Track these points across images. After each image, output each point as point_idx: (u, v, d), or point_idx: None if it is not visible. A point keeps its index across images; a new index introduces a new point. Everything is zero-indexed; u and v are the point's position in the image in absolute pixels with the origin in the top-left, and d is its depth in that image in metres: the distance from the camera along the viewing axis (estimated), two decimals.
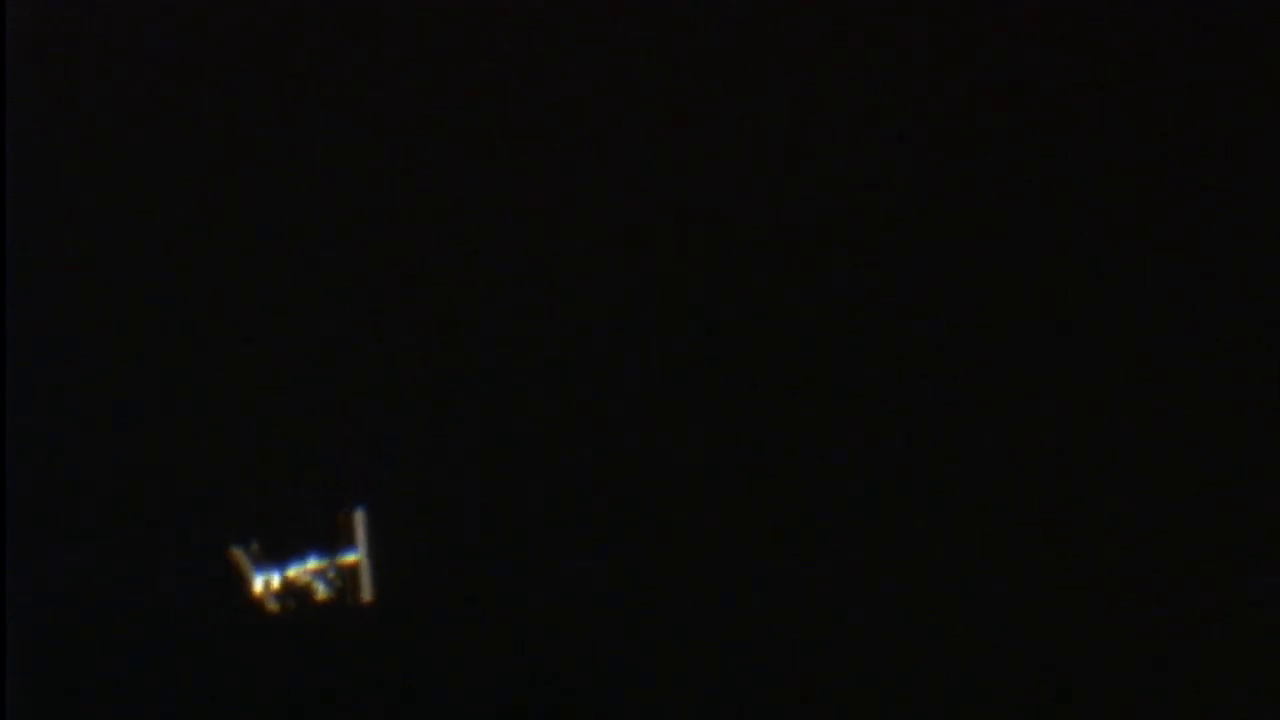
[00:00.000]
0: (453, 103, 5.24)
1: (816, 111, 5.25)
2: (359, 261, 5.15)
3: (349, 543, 4.95)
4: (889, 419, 5.11)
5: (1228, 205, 5.17)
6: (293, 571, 4.91)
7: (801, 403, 5.12)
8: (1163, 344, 5.11)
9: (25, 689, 4.77)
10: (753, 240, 5.20)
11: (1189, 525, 4.99)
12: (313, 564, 4.92)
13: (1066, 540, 5.00)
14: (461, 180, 5.21)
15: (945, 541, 5.02)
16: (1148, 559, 4.97)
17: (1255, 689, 4.85)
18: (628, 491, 5.06)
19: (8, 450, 4.95)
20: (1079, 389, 5.10)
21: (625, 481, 5.06)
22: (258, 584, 4.88)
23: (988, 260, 5.18)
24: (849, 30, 5.26)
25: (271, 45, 5.20)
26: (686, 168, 5.23)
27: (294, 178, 5.17)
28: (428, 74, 5.23)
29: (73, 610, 4.87)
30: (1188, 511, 5.00)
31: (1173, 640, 4.90)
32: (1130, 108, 5.22)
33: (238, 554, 4.90)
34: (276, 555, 4.92)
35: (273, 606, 4.87)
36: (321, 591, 4.91)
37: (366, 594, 4.92)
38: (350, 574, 4.93)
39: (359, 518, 4.97)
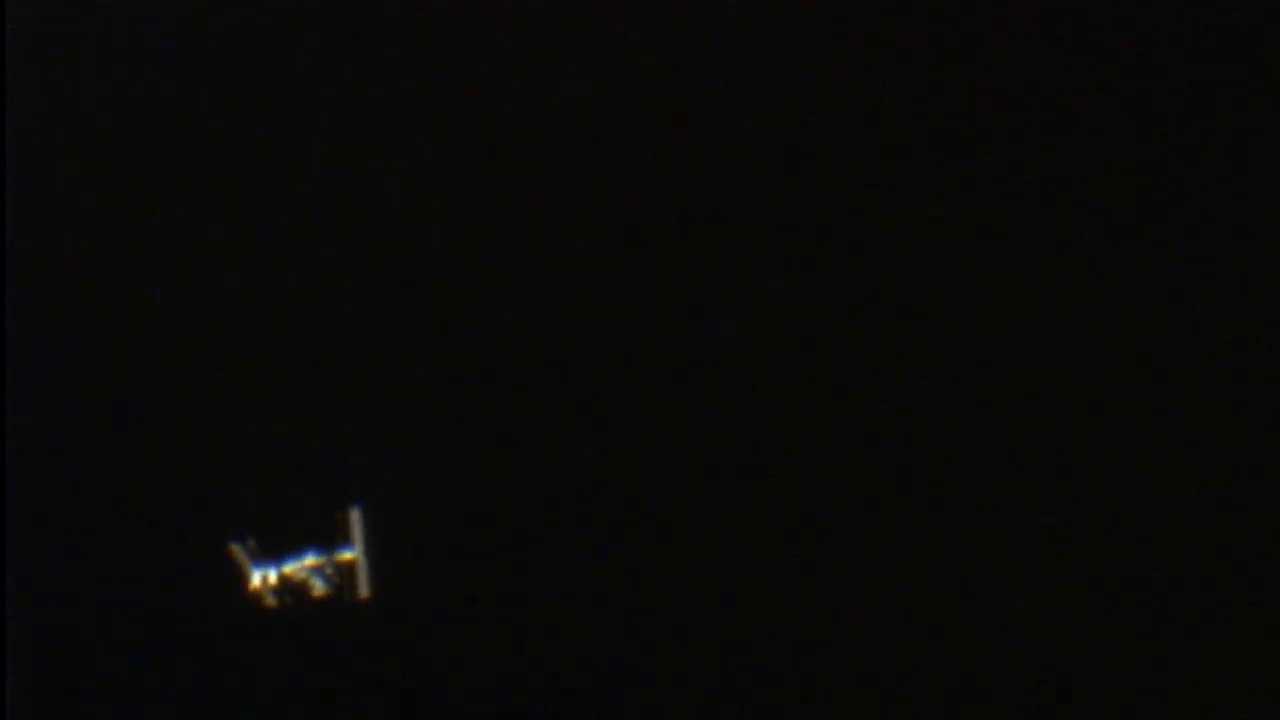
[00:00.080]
0: (453, 103, 5.24)
1: (816, 111, 5.25)
2: (357, 260, 5.16)
3: (346, 540, 4.95)
4: (889, 419, 5.11)
5: (1228, 205, 5.16)
6: (290, 568, 4.91)
7: (801, 403, 5.12)
8: (1163, 344, 5.11)
9: (25, 688, 4.76)
10: (753, 240, 5.20)
11: (1189, 525, 4.99)
12: (310, 560, 4.92)
13: (1066, 540, 4.99)
14: (461, 180, 5.22)
15: (945, 541, 5.01)
16: (1148, 559, 4.97)
17: (1255, 689, 4.84)
18: (627, 490, 5.05)
19: (7, 450, 4.95)
20: (1079, 389, 5.10)
21: (624, 480, 5.06)
22: (255, 579, 4.88)
23: (988, 260, 5.18)
24: (849, 30, 5.27)
25: (271, 45, 5.21)
26: (686, 168, 5.23)
27: (294, 178, 5.18)
28: (428, 74, 5.24)
29: (71, 606, 4.86)
30: (1188, 511, 5.00)
31: (1173, 640, 4.88)
32: (1130, 108, 5.22)
33: (236, 550, 4.90)
34: (274, 551, 4.92)
35: (270, 602, 4.87)
36: (319, 588, 4.90)
37: (364, 590, 4.92)
38: (347, 570, 4.93)
39: (356, 515, 4.97)
